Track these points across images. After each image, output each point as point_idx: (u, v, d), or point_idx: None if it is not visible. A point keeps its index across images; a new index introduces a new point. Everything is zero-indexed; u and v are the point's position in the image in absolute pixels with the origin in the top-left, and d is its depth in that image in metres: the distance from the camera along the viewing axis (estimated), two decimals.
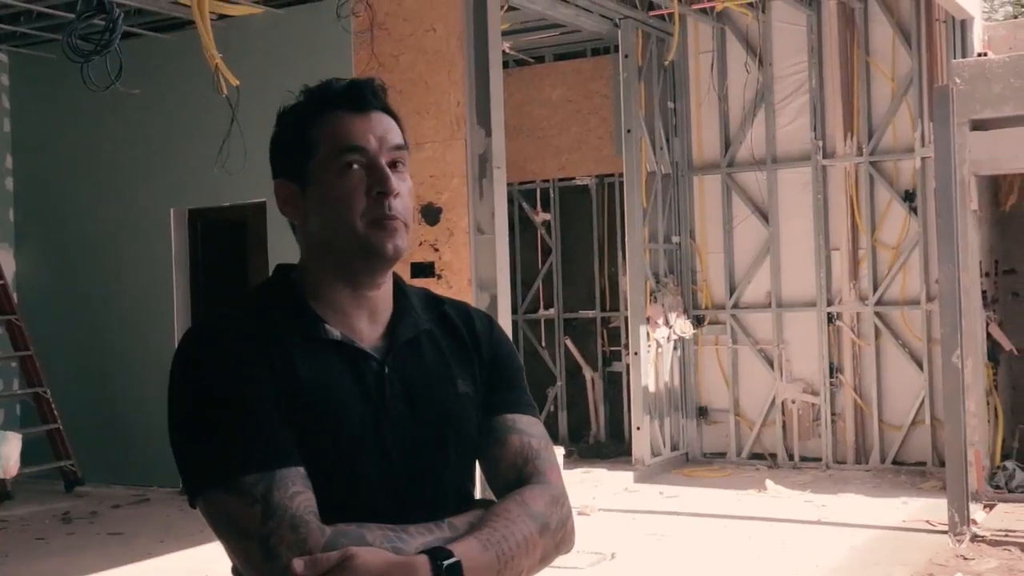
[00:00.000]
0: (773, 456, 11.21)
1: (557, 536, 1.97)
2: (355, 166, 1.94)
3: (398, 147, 1.96)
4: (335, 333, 1.95)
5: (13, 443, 8.39)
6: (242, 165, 10.02)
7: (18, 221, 11.89)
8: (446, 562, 1.76)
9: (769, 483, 9.97)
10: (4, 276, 11.39)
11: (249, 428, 1.86)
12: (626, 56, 11.21)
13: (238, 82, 8.20)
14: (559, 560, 2.14)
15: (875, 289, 10.88)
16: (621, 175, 11.47)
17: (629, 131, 11.17)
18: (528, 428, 2.07)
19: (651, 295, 11.12)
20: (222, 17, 9.30)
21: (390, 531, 1.82)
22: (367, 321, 2.00)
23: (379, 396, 1.95)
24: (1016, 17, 15.58)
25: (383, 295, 2.02)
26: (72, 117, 11.47)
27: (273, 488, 1.81)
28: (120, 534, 9.14)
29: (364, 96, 1.98)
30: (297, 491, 1.82)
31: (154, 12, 9.95)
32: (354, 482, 1.90)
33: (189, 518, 9.62)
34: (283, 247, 10.32)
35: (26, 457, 8.68)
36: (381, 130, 1.97)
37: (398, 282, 2.06)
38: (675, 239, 11.67)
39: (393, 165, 1.96)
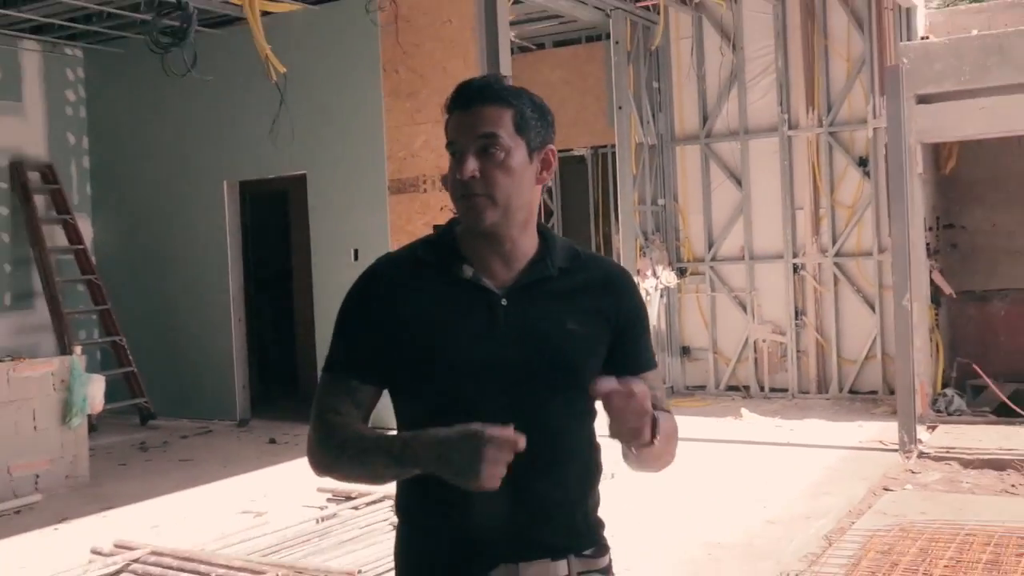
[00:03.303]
0: (747, 388, 11.23)
1: (675, 445, 2.14)
2: (454, 156, 2.02)
3: (485, 135, 1.99)
4: (468, 272, 2.05)
5: (98, 384, 8.39)
6: (290, 141, 10.01)
7: (94, 194, 11.86)
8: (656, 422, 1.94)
9: (744, 411, 10.01)
10: (84, 241, 11.40)
11: (337, 339, 2.12)
12: (617, 42, 11.16)
13: (284, 69, 8.17)
14: None
15: (834, 242, 10.86)
16: (613, 146, 11.45)
17: (620, 108, 11.12)
18: (652, 382, 2.14)
19: (640, 250, 11.12)
20: (265, 14, 9.22)
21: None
22: (504, 267, 2.07)
23: (493, 326, 2.03)
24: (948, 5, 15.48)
25: (518, 245, 2.08)
26: (138, 103, 11.44)
27: (327, 386, 2.09)
28: (189, 460, 9.19)
29: (466, 96, 2.04)
30: (335, 394, 2.06)
31: (207, 10, 9.85)
32: (460, 398, 2.01)
33: (246, 446, 9.71)
34: (322, 212, 10.36)
35: (107, 396, 8.71)
36: (473, 123, 2.01)
37: (545, 234, 2.13)
38: (661, 201, 11.63)
39: (484, 150, 2.00)
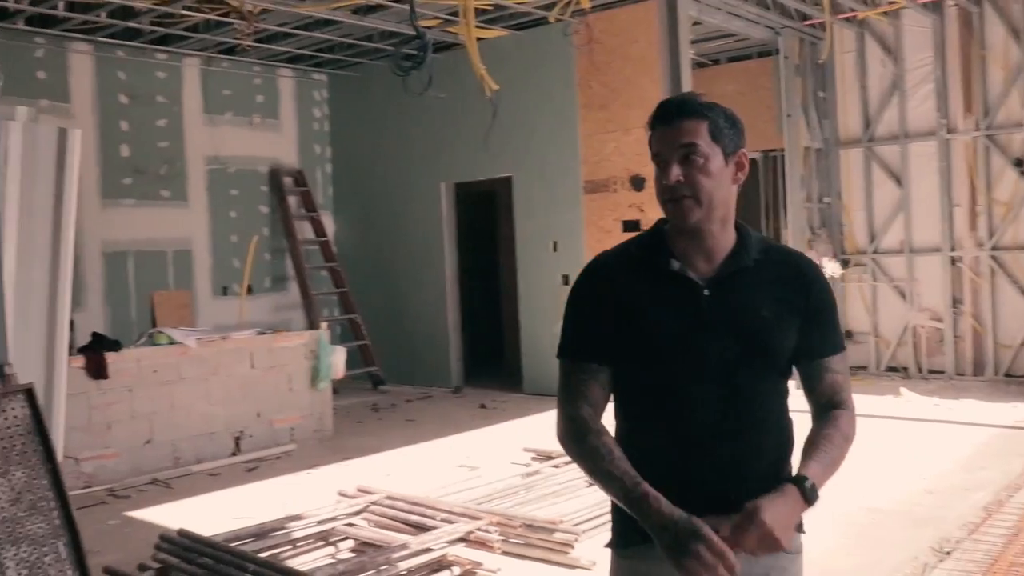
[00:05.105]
0: (906, 369, 10.72)
1: (852, 441, 2.11)
2: (659, 165, 2.04)
3: (685, 145, 2.00)
4: (675, 266, 2.05)
5: (339, 354, 8.75)
6: (502, 148, 10.18)
7: (335, 195, 12.34)
8: (807, 484, 1.94)
9: (903, 390, 9.56)
10: (327, 234, 11.89)
11: (571, 328, 2.12)
12: (786, 57, 10.82)
13: (497, 87, 8.28)
14: None
15: (990, 237, 10.25)
16: (782, 150, 11.13)
17: (789, 116, 10.79)
18: (835, 366, 2.13)
19: (808, 243, 10.78)
20: (479, 39, 9.37)
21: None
22: (705, 260, 2.07)
23: (698, 313, 2.02)
24: None
25: (719, 240, 2.06)
26: (371, 118, 11.82)
27: (569, 370, 2.09)
28: (413, 420, 9.42)
29: (667, 112, 2.04)
30: (580, 378, 2.06)
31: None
32: (669, 376, 2.03)
33: (460, 410, 9.91)
34: (525, 209, 10.46)
35: (346, 364, 9.06)
36: (675, 135, 2.01)
37: (741, 230, 2.10)
38: (826, 199, 11.23)
39: (685, 158, 2.00)
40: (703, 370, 2.01)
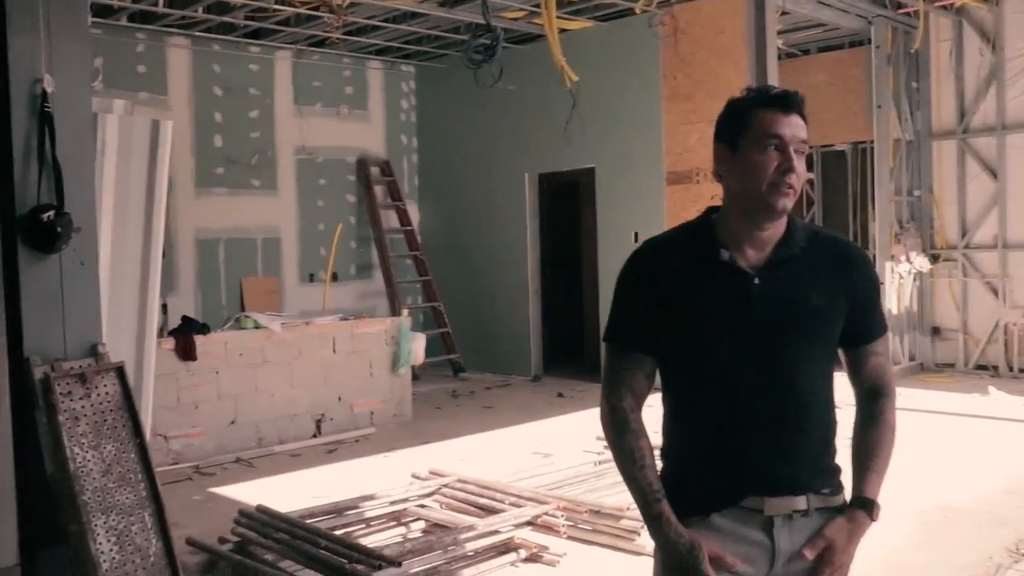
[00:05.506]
0: (995, 368, 10.42)
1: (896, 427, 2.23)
2: (772, 148, 2.06)
3: (802, 141, 2.07)
4: (725, 255, 2.10)
5: (419, 341, 8.94)
6: (581, 139, 10.25)
7: (420, 185, 12.56)
8: (874, 507, 2.12)
9: (992, 389, 9.31)
10: (412, 223, 12.11)
11: (618, 315, 2.19)
12: (878, 47, 10.61)
13: (577, 78, 8.35)
14: None
15: None
16: (872, 142, 10.93)
17: (880, 107, 10.59)
18: (879, 348, 2.22)
19: (896, 237, 10.57)
20: (563, 31, 9.44)
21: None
22: (755, 249, 2.12)
23: (748, 302, 2.08)
24: None
25: (773, 231, 2.12)
26: (456, 109, 11.99)
27: (615, 357, 2.16)
28: (491, 408, 9.55)
29: (790, 102, 2.09)
30: (625, 367, 2.14)
31: (514, 29, 10.23)
32: (719, 364, 2.08)
33: (538, 398, 10.02)
34: (608, 200, 10.50)
35: (427, 351, 9.25)
36: (794, 128, 2.06)
37: (790, 220, 2.16)
38: (916, 193, 10.98)
39: (797, 152, 2.07)
40: (753, 358, 2.07)
